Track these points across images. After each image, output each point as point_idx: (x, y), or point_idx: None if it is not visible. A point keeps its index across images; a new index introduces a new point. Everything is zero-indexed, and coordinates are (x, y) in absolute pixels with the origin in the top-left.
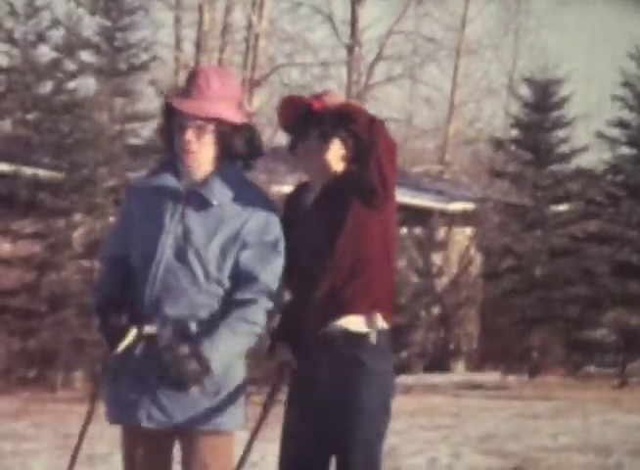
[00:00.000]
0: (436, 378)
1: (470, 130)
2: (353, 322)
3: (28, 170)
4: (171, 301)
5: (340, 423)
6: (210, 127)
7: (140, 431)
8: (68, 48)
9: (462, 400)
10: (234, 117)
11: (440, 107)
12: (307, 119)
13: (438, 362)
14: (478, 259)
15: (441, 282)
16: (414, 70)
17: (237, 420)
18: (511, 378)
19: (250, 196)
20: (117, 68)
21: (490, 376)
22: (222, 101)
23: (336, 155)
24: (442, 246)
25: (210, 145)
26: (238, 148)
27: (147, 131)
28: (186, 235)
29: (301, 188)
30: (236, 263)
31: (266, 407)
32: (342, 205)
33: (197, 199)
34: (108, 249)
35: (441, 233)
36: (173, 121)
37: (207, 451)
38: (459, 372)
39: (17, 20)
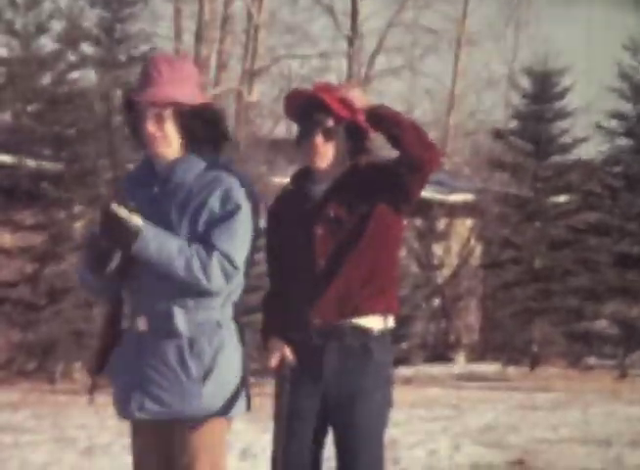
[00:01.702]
0: (437, 369)
1: (470, 122)
2: (367, 321)
3: (29, 162)
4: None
5: (347, 410)
6: (168, 112)
7: (139, 423)
8: (70, 40)
9: (462, 392)
10: (189, 98)
11: (441, 98)
12: (314, 112)
13: (439, 354)
14: (478, 251)
15: (442, 273)
16: (414, 62)
17: (229, 408)
18: (511, 369)
19: (215, 173)
20: (117, 59)
21: (491, 367)
22: (175, 85)
23: (344, 147)
24: (443, 237)
25: (172, 130)
26: (200, 130)
27: None
28: (161, 219)
29: (303, 177)
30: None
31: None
32: (367, 204)
33: (164, 182)
34: None
35: (442, 224)
36: (134, 115)
37: (194, 439)
38: (459, 364)
39: (17, 11)
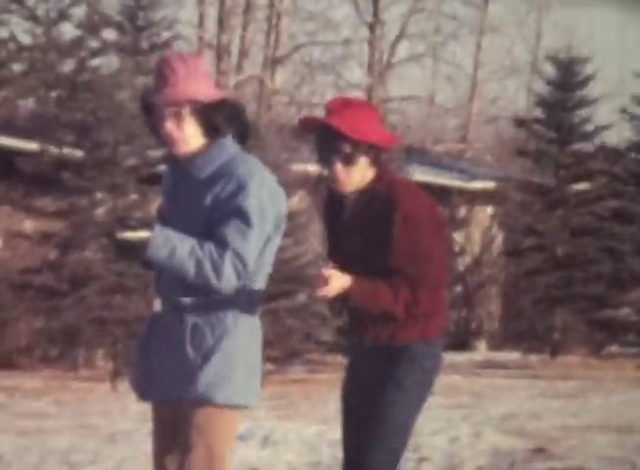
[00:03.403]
0: (458, 357)
1: (492, 109)
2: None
3: (51, 148)
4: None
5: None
6: (186, 111)
7: (155, 406)
8: (91, 26)
9: (483, 380)
10: (206, 94)
11: (463, 85)
12: (331, 139)
13: (460, 341)
14: (499, 238)
15: (464, 261)
16: (436, 49)
17: (233, 394)
18: (533, 357)
19: (231, 166)
20: (140, 46)
21: (512, 355)
22: (191, 82)
23: (363, 171)
24: (464, 224)
25: (192, 128)
26: (221, 124)
27: None
28: (181, 213)
29: (333, 196)
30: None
31: None
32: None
33: (185, 177)
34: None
35: (463, 211)
36: (153, 117)
37: (193, 426)
38: (481, 351)
39: None
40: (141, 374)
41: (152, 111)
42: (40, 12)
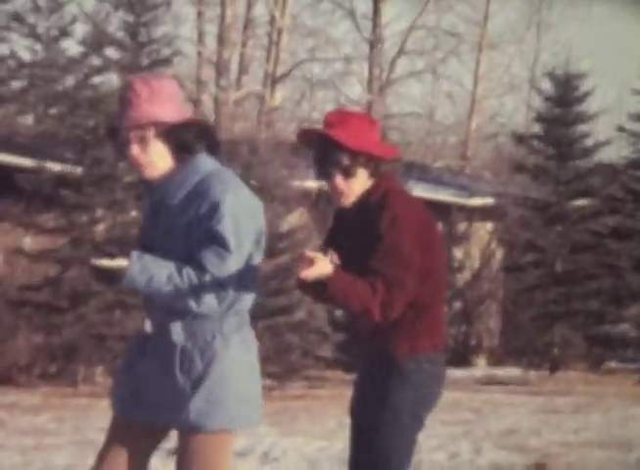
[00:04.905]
0: (458, 373)
1: (491, 125)
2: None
3: (51, 165)
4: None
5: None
6: (151, 133)
7: (124, 423)
8: (94, 44)
9: (483, 396)
10: (171, 115)
11: (462, 102)
12: (329, 151)
13: (460, 357)
14: (499, 254)
15: (463, 277)
16: (436, 65)
17: (225, 421)
18: (532, 373)
19: (204, 186)
20: (140, 63)
21: (512, 371)
22: (154, 104)
23: (363, 182)
24: (463, 240)
25: (159, 150)
26: (190, 144)
27: None
28: (159, 235)
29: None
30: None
31: None
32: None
33: (159, 200)
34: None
35: (462, 228)
36: (119, 141)
37: (187, 451)
38: (480, 367)
39: (40, 14)
40: (126, 394)
41: (116, 136)
42: (41, 29)
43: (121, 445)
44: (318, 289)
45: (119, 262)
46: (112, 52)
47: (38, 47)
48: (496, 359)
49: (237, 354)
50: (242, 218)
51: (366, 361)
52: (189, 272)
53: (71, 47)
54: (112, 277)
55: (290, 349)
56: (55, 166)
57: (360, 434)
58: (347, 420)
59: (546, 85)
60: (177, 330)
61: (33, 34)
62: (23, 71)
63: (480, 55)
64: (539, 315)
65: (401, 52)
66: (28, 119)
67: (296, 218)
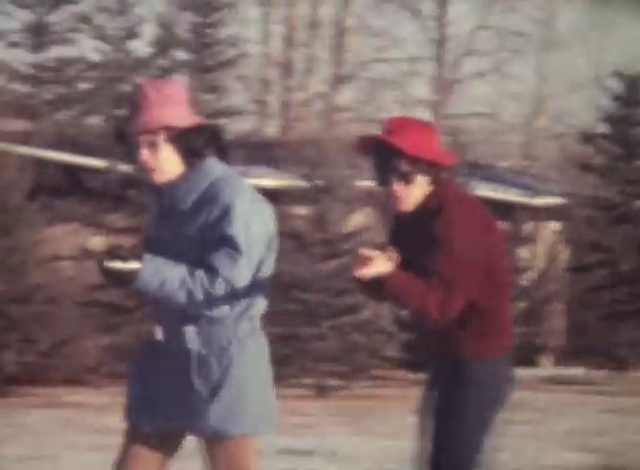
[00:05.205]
0: (523, 372)
1: (557, 125)
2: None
3: (119, 166)
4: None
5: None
6: (161, 138)
7: (142, 431)
8: (162, 45)
9: (548, 395)
10: (181, 120)
11: (527, 101)
12: (388, 157)
13: (525, 357)
14: (564, 254)
15: (528, 276)
16: (501, 65)
17: (247, 426)
18: (598, 373)
19: (215, 190)
20: (206, 64)
21: (577, 371)
22: (164, 108)
23: (422, 189)
24: (529, 240)
25: (169, 155)
26: (199, 148)
27: (235, 126)
28: (169, 239)
29: (395, 218)
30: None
31: None
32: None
33: (169, 205)
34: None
35: (528, 227)
36: (129, 146)
37: (212, 457)
38: (546, 367)
39: (108, 16)
40: (139, 404)
41: (127, 140)
42: (109, 30)
43: (138, 456)
44: (376, 287)
45: (132, 265)
46: (178, 53)
47: (106, 48)
48: (562, 359)
49: (253, 359)
50: (252, 222)
51: (435, 363)
52: (201, 275)
53: (139, 48)
54: (124, 280)
55: (356, 348)
56: (123, 167)
57: (434, 433)
58: (413, 419)
59: (613, 85)
60: (191, 336)
61: (101, 36)
62: (91, 73)
63: (546, 54)
64: (605, 315)
65: (467, 52)
66: (96, 120)
67: (362, 218)
